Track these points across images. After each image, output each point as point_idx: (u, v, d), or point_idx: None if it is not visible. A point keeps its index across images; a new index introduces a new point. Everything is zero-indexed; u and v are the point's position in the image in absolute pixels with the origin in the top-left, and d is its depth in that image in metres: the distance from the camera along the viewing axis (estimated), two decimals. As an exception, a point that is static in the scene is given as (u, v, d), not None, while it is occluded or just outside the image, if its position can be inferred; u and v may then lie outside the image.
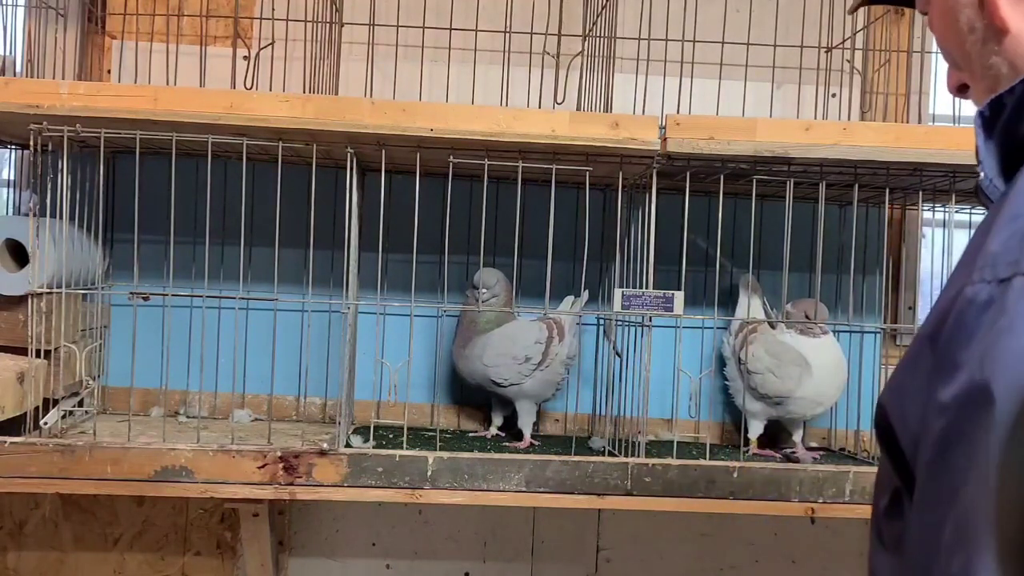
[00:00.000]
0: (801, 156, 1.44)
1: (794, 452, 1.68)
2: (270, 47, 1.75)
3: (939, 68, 1.84)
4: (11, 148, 1.75)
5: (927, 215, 1.89)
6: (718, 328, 1.76)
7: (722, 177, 1.52)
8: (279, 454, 1.42)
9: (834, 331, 1.69)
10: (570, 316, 1.69)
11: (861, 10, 1.81)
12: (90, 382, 1.55)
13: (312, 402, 1.80)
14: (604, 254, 1.75)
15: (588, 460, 1.46)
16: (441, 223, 1.56)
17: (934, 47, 1.88)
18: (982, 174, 0.67)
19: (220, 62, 1.78)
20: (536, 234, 1.55)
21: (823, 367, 1.64)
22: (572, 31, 1.76)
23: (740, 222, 1.68)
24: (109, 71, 1.84)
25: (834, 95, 1.83)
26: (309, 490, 1.42)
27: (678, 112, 1.70)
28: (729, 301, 1.81)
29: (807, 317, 1.64)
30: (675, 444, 1.53)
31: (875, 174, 1.52)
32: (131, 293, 1.53)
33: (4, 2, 1.68)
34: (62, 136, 1.39)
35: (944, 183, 1.53)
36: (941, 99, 1.91)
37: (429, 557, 1.94)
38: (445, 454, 1.44)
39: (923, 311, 1.97)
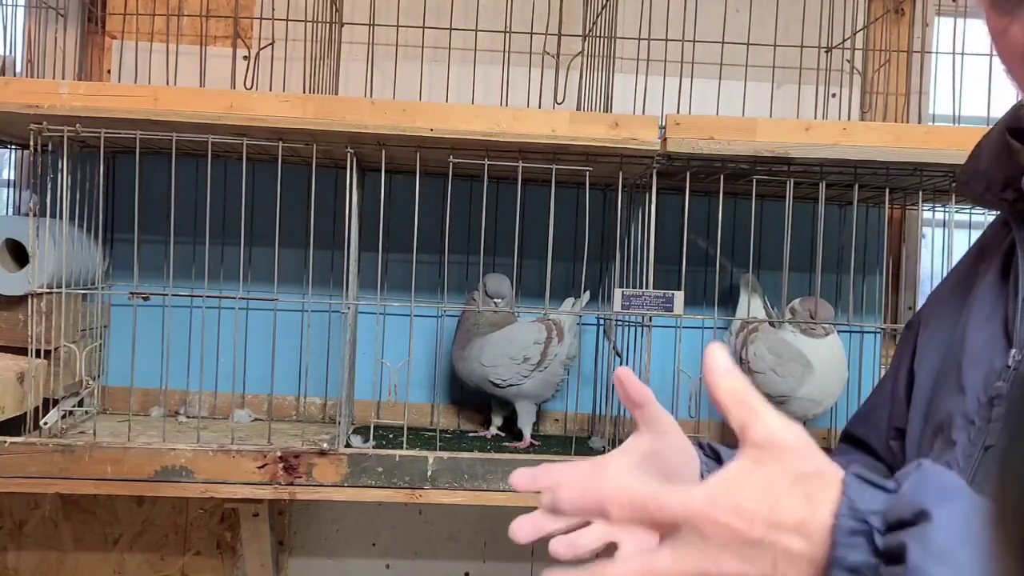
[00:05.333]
0: (801, 156, 1.44)
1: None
2: (270, 47, 1.75)
3: (939, 68, 1.84)
4: (11, 148, 1.75)
5: (927, 215, 1.89)
6: (718, 328, 1.76)
7: (722, 177, 1.52)
8: (279, 454, 1.42)
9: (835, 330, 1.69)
10: (569, 316, 1.69)
11: (861, 10, 1.82)
12: (90, 382, 1.55)
13: (312, 402, 1.80)
14: (604, 254, 1.75)
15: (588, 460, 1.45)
16: (441, 223, 1.56)
17: (934, 47, 1.88)
18: None
19: (220, 62, 1.78)
20: (536, 234, 1.55)
21: (825, 366, 1.64)
22: (572, 31, 1.76)
23: (740, 222, 1.68)
24: (109, 71, 1.84)
25: (834, 95, 1.83)
26: (309, 490, 1.43)
27: (678, 112, 1.70)
28: (729, 301, 1.81)
29: (811, 316, 1.64)
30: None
31: (875, 174, 1.51)
32: (131, 293, 1.53)
33: (4, 2, 1.68)
34: (62, 136, 1.39)
35: (944, 183, 1.53)
36: (941, 99, 1.91)
37: (429, 557, 1.94)
38: (445, 454, 1.44)
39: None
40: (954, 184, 0.90)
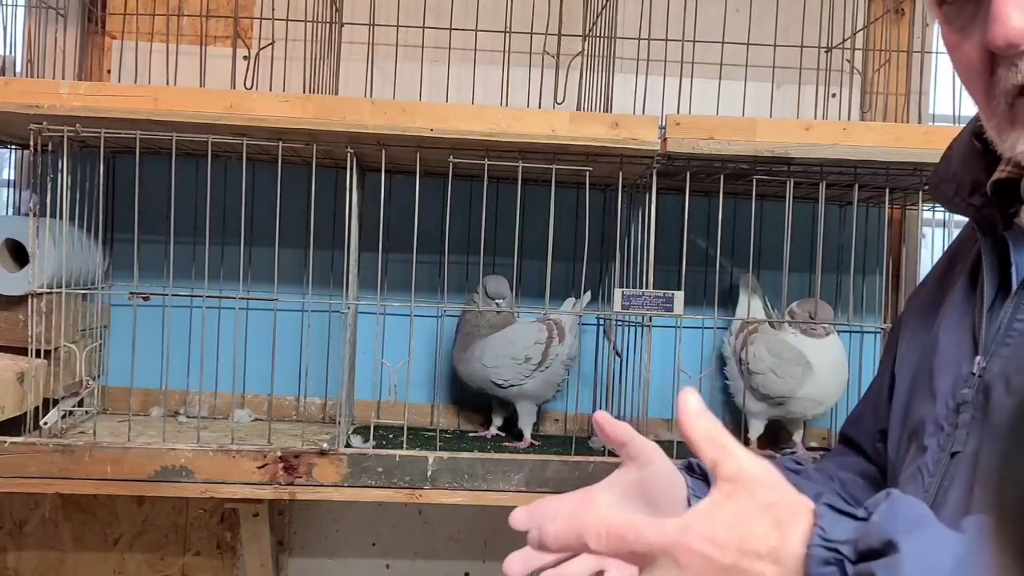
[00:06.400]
0: (801, 156, 1.44)
1: (794, 452, 1.68)
2: (270, 47, 1.75)
3: (939, 68, 1.84)
4: (11, 148, 1.75)
5: (927, 215, 1.89)
6: (718, 328, 1.76)
7: (722, 177, 1.52)
8: (279, 454, 1.42)
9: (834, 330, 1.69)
10: (570, 316, 1.69)
11: (861, 10, 1.82)
12: (90, 382, 1.55)
13: (312, 402, 1.80)
14: (604, 254, 1.75)
15: (588, 460, 1.45)
16: (441, 223, 1.56)
17: (934, 47, 1.88)
18: None
19: (220, 62, 1.78)
20: (536, 234, 1.55)
21: (825, 366, 1.64)
22: (572, 31, 1.76)
23: (740, 222, 1.68)
24: (109, 71, 1.84)
25: (834, 95, 1.83)
26: (309, 490, 1.43)
27: (678, 112, 1.70)
28: (729, 301, 1.81)
29: (811, 317, 1.64)
30: (675, 444, 1.53)
31: (875, 174, 1.51)
32: (131, 293, 1.53)
33: (4, 2, 1.68)
34: (62, 136, 1.39)
35: (944, 183, 1.53)
36: (941, 99, 1.91)
37: (429, 557, 1.94)
38: (445, 454, 1.44)
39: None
40: (926, 187, 0.90)
